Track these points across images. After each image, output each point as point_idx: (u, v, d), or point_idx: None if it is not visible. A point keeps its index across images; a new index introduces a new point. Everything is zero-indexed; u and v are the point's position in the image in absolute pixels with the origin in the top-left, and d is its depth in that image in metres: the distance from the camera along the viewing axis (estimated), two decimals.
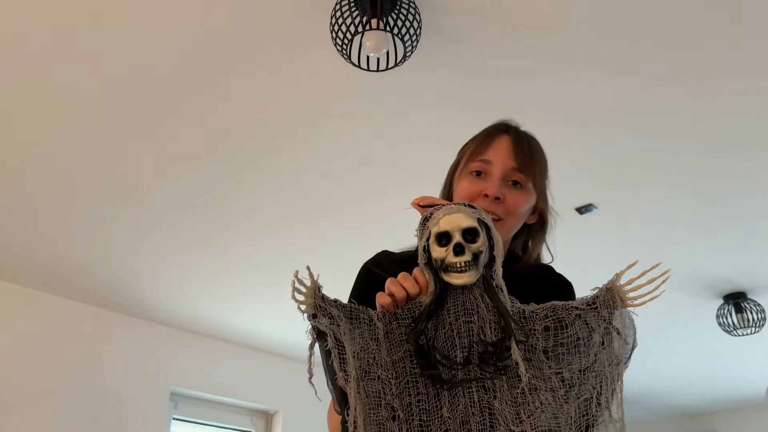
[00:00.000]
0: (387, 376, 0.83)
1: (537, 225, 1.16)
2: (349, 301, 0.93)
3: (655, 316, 3.81)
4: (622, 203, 2.73)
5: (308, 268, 0.85)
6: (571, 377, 0.82)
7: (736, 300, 3.51)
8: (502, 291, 0.86)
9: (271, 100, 2.17)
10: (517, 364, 0.80)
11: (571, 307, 0.85)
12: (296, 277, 0.84)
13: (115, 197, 2.65)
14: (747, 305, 3.50)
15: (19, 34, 1.88)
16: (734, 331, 3.51)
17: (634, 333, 0.87)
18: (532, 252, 1.15)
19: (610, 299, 0.84)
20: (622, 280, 0.85)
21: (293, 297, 0.84)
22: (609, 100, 2.17)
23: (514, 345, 0.80)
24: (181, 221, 2.83)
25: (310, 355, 0.85)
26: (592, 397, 0.81)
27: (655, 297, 0.82)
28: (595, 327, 0.83)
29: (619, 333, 0.84)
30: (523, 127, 1.19)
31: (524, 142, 1.13)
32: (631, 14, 1.85)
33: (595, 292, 0.85)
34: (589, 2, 1.81)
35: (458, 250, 0.84)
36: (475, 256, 0.85)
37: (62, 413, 3.27)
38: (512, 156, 1.09)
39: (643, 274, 0.82)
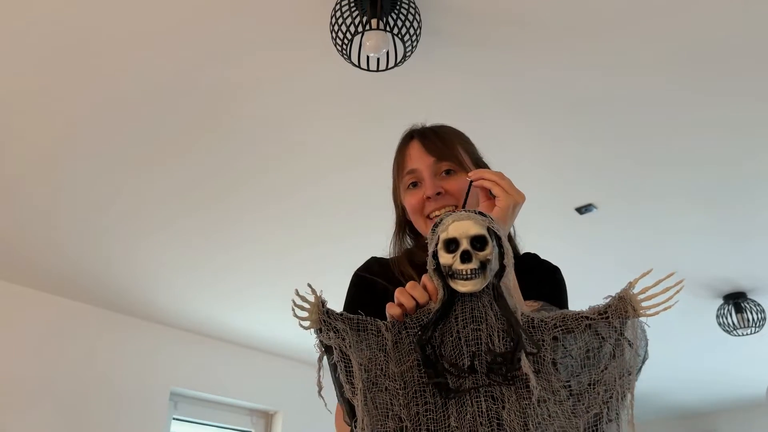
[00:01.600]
0: (395, 387, 0.83)
1: None
2: (343, 309, 0.93)
3: (655, 316, 3.81)
4: (622, 203, 2.73)
5: (309, 285, 0.85)
6: (580, 389, 0.81)
7: (736, 300, 3.51)
8: (509, 299, 0.84)
9: (271, 99, 2.17)
10: (527, 376, 0.78)
11: (582, 316, 0.83)
12: (297, 294, 0.84)
13: (114, 197, 2.65)
14: (747, 305, 3.50)
15: (22, 39, 1.89)
16: (734, 331, 3.51)
17: (646, 344, 0.85)
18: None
19: (623, 309, 0.82)
20: (636, 289, 0.82)
21: (294, 314, 0.84)
22: (609, 100, 2.17)
23: (524, 358, 0.79)
24: (180, 221, 2.83)
25: (319, 368, 0.85)
26: (601, 412, 0.80)
27: (669, 307, 0.80)
28: (606, 337, 0.82)
29: (630, 344, 0.82)
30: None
31: (430, 135, 1.17)
32: (630, 13, 1.85)
33: (608, 301, 0.83)
34: (589, 3, 1.81)
35: (465, 258, 0.83)
36: (483, 264, 0.83)
37: (62, 413, 3.27)
38: (427, 153, 1.13)
39: (657, 283, 0.80)
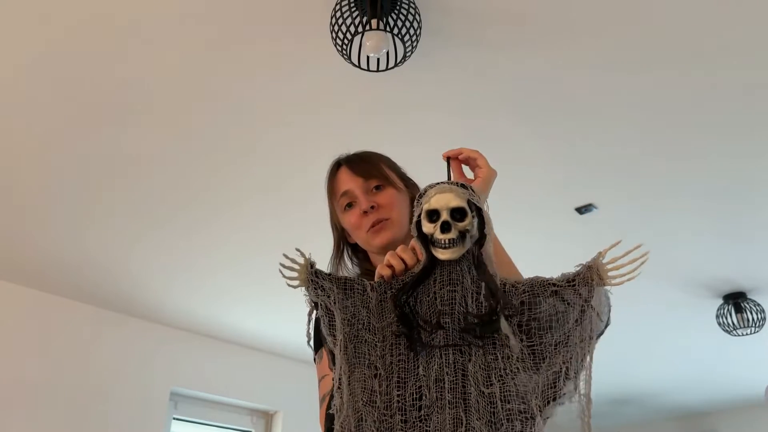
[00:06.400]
0: (374, 340, 0.92)
1: None
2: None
3: (655, 316, 3.81)
4: (622, 203, 2.73)
5: (298, 249, 0.95)
6: (543, 350, 0.87)
7: (736, 300, 3.52)
8: (489, 265, 0.91)
9: (271, 100, 2.17)
10: (506, 336, 0.86)
11: (549, 283, 0.90)
12: (287, 257, 0.94)
13: (111, 197, 2.65)
14: (747, 305, 3.50)
15: (8, 45, 1.89)
16: (734, 331, 3.51)
17: (609, 310, 0.91)
18: None
19: (590, 277, 0.88)
20: (605, 260, 0.89)
21: (282, 275, 0.94)
22: (609, 100, 2.17)
23: (503, 320, 0.86)
24: (178, 222, 2.83)
25: (308, 321, 0.96)
26: (560, 371, 0.86)
27: (633, 278, 0.86)
28: (572, 303, 0.88)
29: (594, 310, 0.88)
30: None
31: (355, 160, 1.28)
32: (630, 14, 1.85)
33: (577, 269, 0.89)
34: (589, 2, 1.81)
35: (445, 228, 0.90)
36: (462, 234, 0.90)
37: (62, 413, 3.27)
38: (355, 176, 1.24)
39: (625, 254, 0.86)
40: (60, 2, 1.78)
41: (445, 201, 0.91)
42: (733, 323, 3.49)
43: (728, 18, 1.86)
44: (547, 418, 0.86)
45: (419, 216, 0.93)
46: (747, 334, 3.54)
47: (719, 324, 3.54)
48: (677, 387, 5.06)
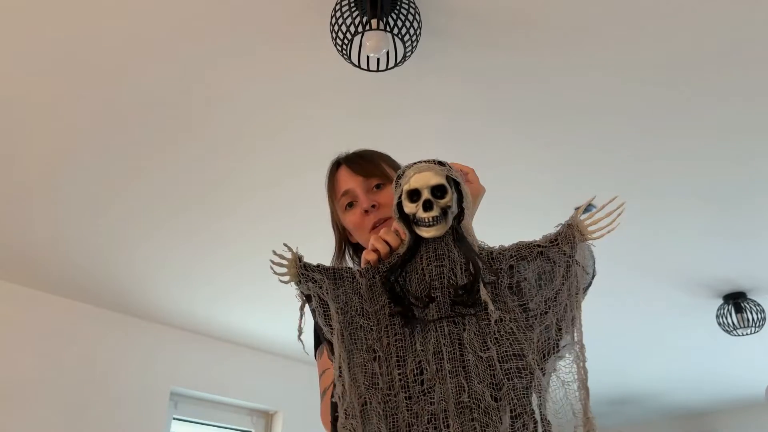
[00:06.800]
0: (368, 324, 0.93)
1: None
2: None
3: (654, 316, 3.81)
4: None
5: (285, 244, 0.95)
6: (534, 308, 0.90)
7: (736, 300, 3.51)
8: (468, 237, 0.93)
9: (271, 100, 2.17)
10: (486, 303, 0.88)
11: (534, 245, 0.93)
12: (275, 253, 0.94)
13: (113, 198, 2.65)
14: (747, 305, 3.50)
15: (23, 51, 1.89)
16: (734, 331, 3.51)
17: (594, 263, 0.94)
18: None
19: (571, 234, 0.91)
20: (582, 216, 0.91)
21: (273, 271, 0.94)
22: (609, 101, 2.17)
23: (482, 287, 0.89)
24: (178, 222, 2.83)
25: (300, 315, 0.95)
26: (552, 324, 0.89)
27: (612, 230, 0.89)
28: (557, 261, 0.91)
29: (578, 264, 0.91)
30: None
31: (355, 159, 1.29)
32: (631, 15, 1.85)
33: (558, 229, 0.92)
34: (590, 3, 1.81)
35: (427, 206, 0.92)
36: (444, 211, 0.92)
37: (62, 413, 3.27)
38: (355, 175, 1.25)
39: (602, 208, 0.89)
40: (60, 3, 1.79)
41: (424, 180, 0.93)
42: (733, 323, 3.49)
43: (728, 18, 1.86)
44: (551, 372, 0.88)
45: (400, 197, 0.94)
46: (747, 334, 3.54)
47: (719, 324, 3.54)
48: (677, 387, 5.06)
